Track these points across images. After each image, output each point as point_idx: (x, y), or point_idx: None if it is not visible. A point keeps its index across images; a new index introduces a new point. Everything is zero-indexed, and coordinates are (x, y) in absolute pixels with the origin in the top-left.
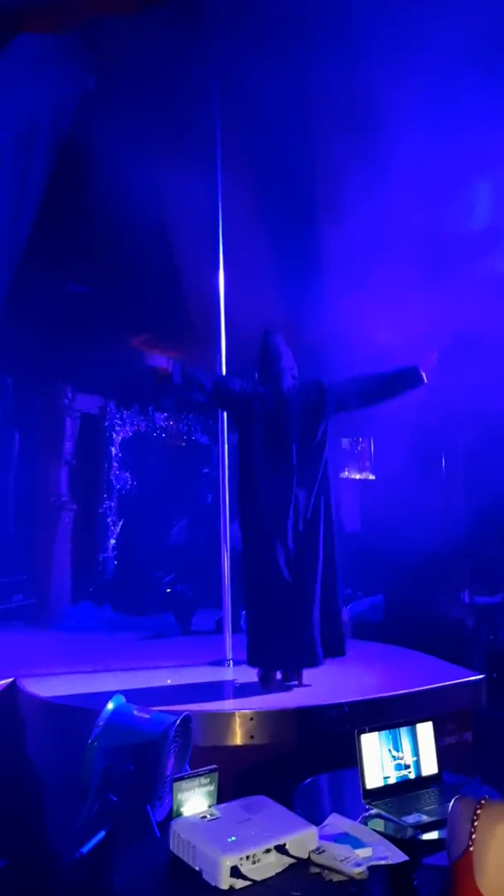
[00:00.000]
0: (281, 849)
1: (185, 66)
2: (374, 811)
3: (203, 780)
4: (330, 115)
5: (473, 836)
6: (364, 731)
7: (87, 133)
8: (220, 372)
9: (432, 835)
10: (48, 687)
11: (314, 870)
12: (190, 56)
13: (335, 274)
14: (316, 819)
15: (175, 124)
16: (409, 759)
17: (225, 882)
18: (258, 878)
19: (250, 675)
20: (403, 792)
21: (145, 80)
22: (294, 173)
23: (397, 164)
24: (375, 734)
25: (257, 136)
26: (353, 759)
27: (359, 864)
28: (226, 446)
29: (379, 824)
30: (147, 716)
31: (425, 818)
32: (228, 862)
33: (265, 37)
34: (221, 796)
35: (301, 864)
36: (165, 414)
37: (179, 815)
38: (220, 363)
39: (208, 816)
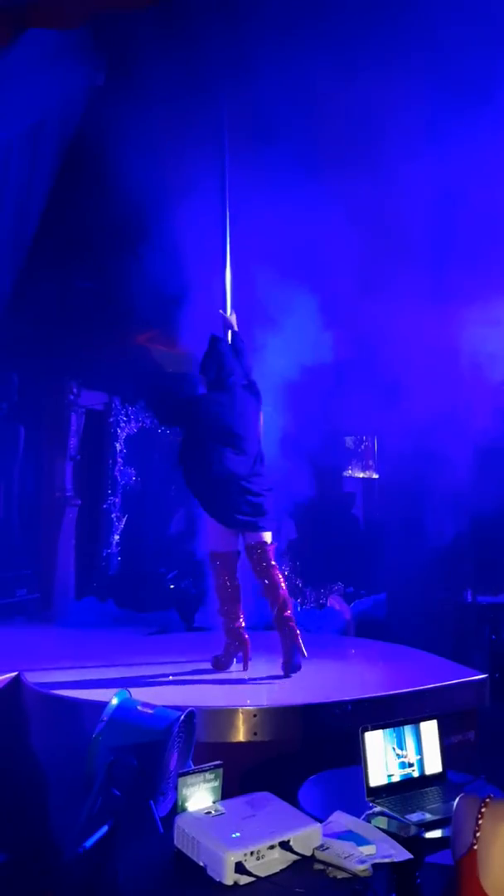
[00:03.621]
0: (285, 845)
1: (193, 61)
2: (377, 809)
3: (208, 775)
4: (339, 110)
5: (478, 835)
6: (368, 729)
7: (95, 128)
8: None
9: (436, 833)
10: (52, 682)
11: (318, 866)
12: (198, 51)
13: (339, 276)
14: (320, 816)
15: (183, 119)
16: (412, 757)
17: (229, 878)
18: (262, 874)
19: (252, 670)
20: (407, 790)
21: (153, 76)
22: (303, 168)
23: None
24: (380, 732)
25: (267, 131)
26: (356, 757)
27: (363, 862)
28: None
29: (382, 822)
30: (151, 711)
31: (429, 816)
32: (233, 858)
33: (272, 29)
34: (225, 792)
35: (305, 861)
36: None
37: (184, 810)
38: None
39: (213, 812)
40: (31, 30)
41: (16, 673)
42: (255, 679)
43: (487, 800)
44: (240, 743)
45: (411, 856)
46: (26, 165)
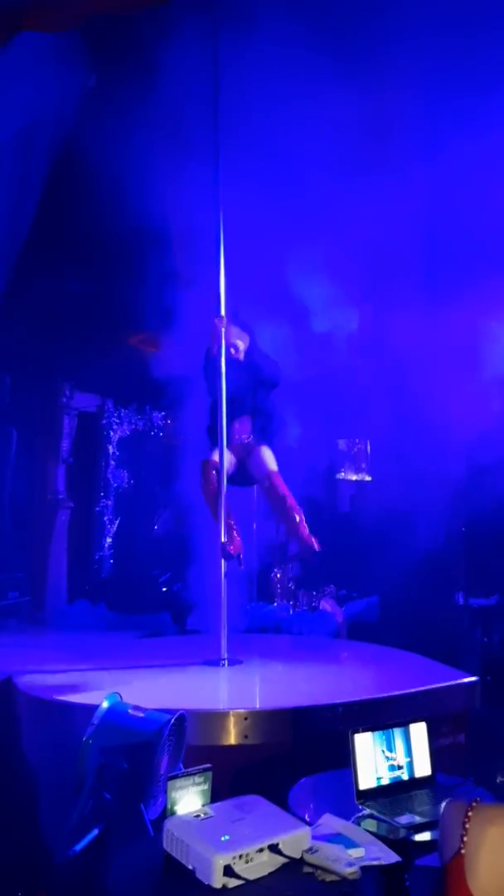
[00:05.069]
0: (274, 848)
1: (185, 63)
2: (366, 812)
3: (197, 778)
4: (340, 115)
5: (465, 838)
6: (358, 731)
7: (87, 130)
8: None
9: (425, 836)
10: (43, 685)
11: (307, 869)
12: (191, 52)
13: (338, 282)
14: (309, 819)
15: (176, 122)
16: (402, 759)
17: (218, 881)
18: (251, 877)
19: (245, 673)
20: (396, 793)
21: (146, 77)
22: (298, 170)
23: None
24: (369, 734)
25: (259, 133)
26: (346, 760)
27: (351, 865)
28: (224, 445)
29: (372, 825)
30: (141, 714)
31: (418, 819)
32: (222, 861)
33: (269, 31)
34: (215, 796)
35: (294, 864)
36: (163, 412)
37: (173, 813)
38: (220, 363)
39: (202, 815)
40: (22, 32)
41: (7, 676)
42: (246, 682)
43: (474, 803)
44: (230, 746)
45: (400, 858)
46: (19, 167)
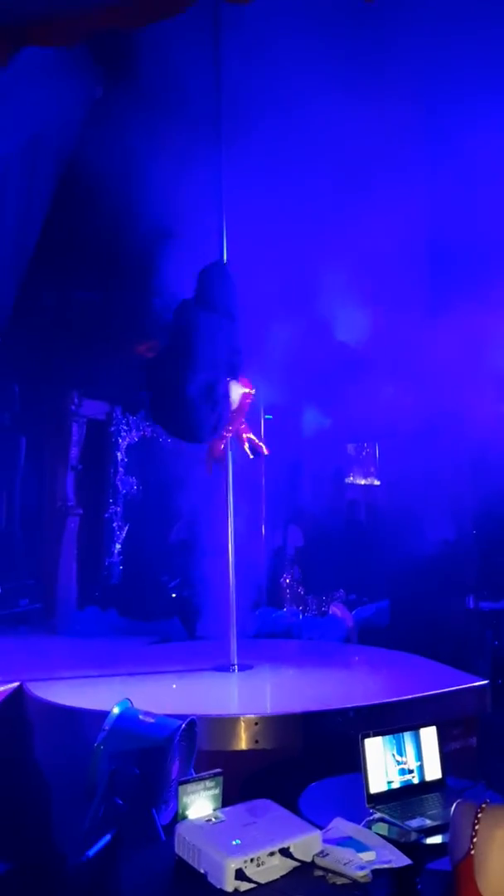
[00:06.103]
0: (285, 852)
1: (192, 74)
2: (377, 815)
3: (208, 783)
4: (345, 120)
5: (474, 840)
6: (368, 736)
7: (93, 141)
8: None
9: (436, 839)
10: (54, 691)
11: (318, 873)
12: (198, 63)
13: (340, 286)
14: (320, 823)
15: (182, 131)
16: (412, 763)
17: (230, 884)
18: (262, 880)
19: (255, 678)
20: (407, 796)
21: (152, 88)
22: (303, 178)
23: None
24: (379, 739)
25: (264, 141)
26: (357, 764)
27: (362, 868)
28: (229, 451)
29: (382, 828)
30: (152, 720)
31: (429, 822)
32: (233, 864)
33: (274, 43)
34: (227, 800)
35: (305, 868)
36: None
37: (184, 818)
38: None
39: (213, 819)
40: (27, 48)
41: (18, 683)
42: (256, 687)
43: (484, 805)
44: (241, 751)
45: (410, 861)
46: (26, 178)
